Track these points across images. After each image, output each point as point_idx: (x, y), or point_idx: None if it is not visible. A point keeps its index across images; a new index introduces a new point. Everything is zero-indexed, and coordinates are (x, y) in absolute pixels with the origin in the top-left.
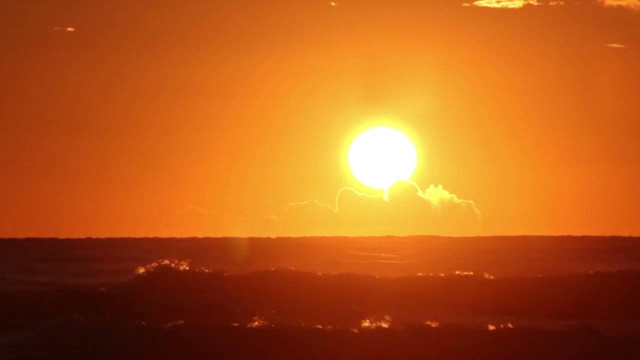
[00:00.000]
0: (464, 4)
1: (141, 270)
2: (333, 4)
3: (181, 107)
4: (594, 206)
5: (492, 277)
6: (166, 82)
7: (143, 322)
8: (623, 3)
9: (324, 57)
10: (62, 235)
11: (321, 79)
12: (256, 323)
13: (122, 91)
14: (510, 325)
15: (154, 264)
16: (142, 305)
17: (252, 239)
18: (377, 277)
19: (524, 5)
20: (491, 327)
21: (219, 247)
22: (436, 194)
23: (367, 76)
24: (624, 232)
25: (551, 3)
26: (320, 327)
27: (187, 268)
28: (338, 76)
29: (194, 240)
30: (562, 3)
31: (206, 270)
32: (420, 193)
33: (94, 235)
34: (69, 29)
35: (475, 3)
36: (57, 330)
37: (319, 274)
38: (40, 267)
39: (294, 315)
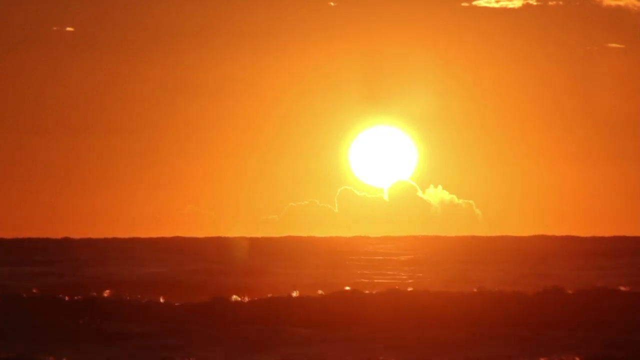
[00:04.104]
0: (462, 4)
1: None
2: (332, 4)
3: (181, 107)
4: (594, 206)
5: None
6: (166, 81)
7: None
8: (622, 3)
9: (324, 56)
10: (62, 235)
11: (321, 78)
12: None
13: (122, 91)
14: None
15: None
16: None
17: (251, 239)
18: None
19: (523, 5)
20: None
21: (219, 247)
22: (436, 195)
23: (367, 75)
24: (625, 232)
25: (550, 3)
26: None
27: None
28: (338, 75)
29: (193, 241)
30: (561, 3)
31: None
32: (420, 193)
33: (94, 236)
34: (68, 28)
35: (474, 3)
36: None
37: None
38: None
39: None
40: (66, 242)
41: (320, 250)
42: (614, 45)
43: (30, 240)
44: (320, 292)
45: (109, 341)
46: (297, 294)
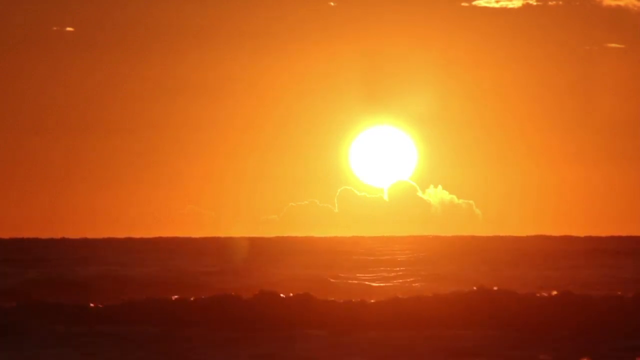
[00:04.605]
0: (462, 4)
1: None
2: (332, 4)
3: (182, 107)
4: (594, 206)
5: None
6: (166, 81)
7: None
8: (622, 3)
9: (324, 56)
10: (62, 235)
11: (321, 78)
12: None
13: (121, 91)
14: None
15: None
16: None
17: (251, 239)
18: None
19: (523, 5)
20: None
21: (216, 247)
22: (436, 195)
23: (367, 75)
24: (624, 232)
25: (550, 3)
26: None
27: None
28: (338, 75)
29: (193, 241)
30: (561, 3)
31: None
32: (420, 193)
33: (94, 236)
34: (68, 28)
35: (474, 3)
36: None
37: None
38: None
39: None
40: (65, 242)
41: (316, 251)
42: (614, 45)
43: (29, 240)
44: (282, 294)
45: (92, 342)
46: (257, 295)
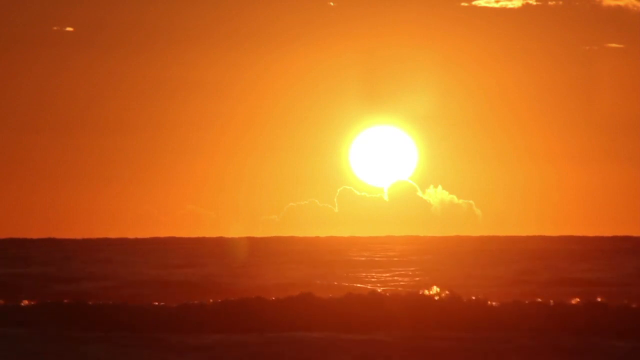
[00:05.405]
0: (462, 4)
1: None
2: (332, 4)
3: (181, 107)
4: (594, 206)
5: None
6: (166, 81)
7: None
8: (621, 3)
9: (324, 56)
10: (61, 235)
11: (321, 78)
12: None
13: (121, 91)
14: None
15: None
16: None
17: (251, 239)
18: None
19: (523, 5)
20: None
21: (218, 247)
22: (436, 195)
23: (367, 75)
24: (624, 232)
25: (550, 3)
26: None
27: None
28: (338, 75)
29: (193, 241)
30: (560, 3)
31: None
32: (420, 193)
33: (94, 236)
34: (68, 28)
35: (474, 3)
36: None
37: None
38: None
39: None
40: (65, 242)
41: (310, 251)
42: (614, 45)
43: (27, 240)
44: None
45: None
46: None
